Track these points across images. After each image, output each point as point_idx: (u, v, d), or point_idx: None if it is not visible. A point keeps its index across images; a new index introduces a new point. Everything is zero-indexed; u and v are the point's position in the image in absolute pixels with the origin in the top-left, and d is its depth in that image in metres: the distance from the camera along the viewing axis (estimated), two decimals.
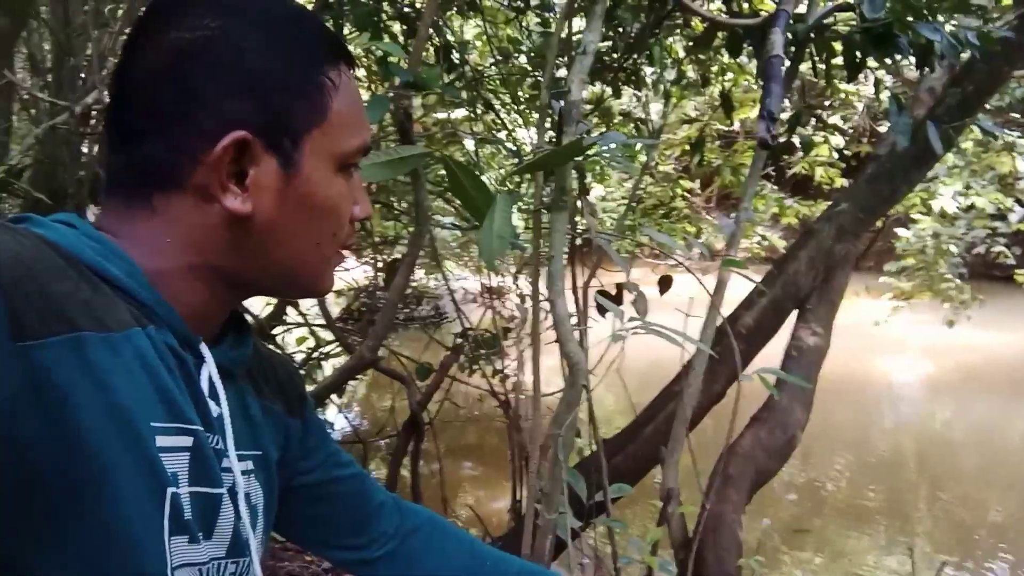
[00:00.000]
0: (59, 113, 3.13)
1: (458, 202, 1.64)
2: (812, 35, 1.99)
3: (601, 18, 1.64)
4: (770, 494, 4.70)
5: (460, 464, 5.21)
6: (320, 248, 0.69)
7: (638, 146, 4.10)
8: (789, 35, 1.83)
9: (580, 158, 1.51)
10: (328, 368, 4.01)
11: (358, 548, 0.90)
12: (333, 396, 3.65)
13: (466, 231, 4.70)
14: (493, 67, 3.79)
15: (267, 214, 0.65)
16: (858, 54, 1.99)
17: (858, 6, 1.82)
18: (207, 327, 0.68)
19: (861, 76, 2.20)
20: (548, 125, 1.79)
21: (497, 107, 3.75)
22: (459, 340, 3.30)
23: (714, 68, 3.95)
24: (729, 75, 4.07)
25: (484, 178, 1.90)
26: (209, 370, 0.66)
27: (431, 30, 2.18)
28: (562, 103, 1.58)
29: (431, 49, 2.66)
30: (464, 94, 3.22)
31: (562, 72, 2.25)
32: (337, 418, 4.62)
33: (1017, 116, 6.30)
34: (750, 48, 2.18)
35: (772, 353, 2.58)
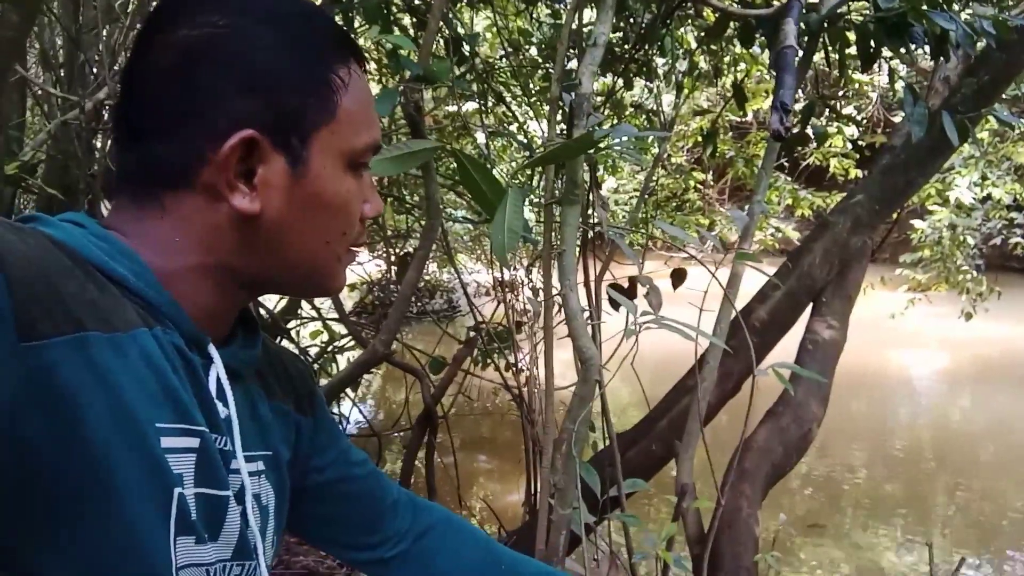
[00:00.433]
0: (71, 108, 3.15)
1: (470, 196, 1.64)
2: (825, 25, 1.98)
3: (612, 9, 1.62)
4: (786, 488, 4.69)
5: (474, 457, 5.22)
6: (331, 247, 0.69)
7: (650, 138, 4.09)
8: (802, 25, 1.81)
9: (592, 151, 1.51)
10: (342, 362, 4.02)
11: (372, 547, 0.89)
12: (348, 390, 3.66)
13: (478, 224, 4.70)
14: (503, 59, 3.78)
15: (276, 213, 0.65)
16: (872, 44, 1.97)
17: None
18: (217, 326, 0.68)
19: (875, 66, 2.18)
20: (559, 118, 1.78)
21: (508, 100, 3.74)
22: (472, 334, 3.30)
23: (726, 59, 3.93)
24: (742, 66, 4.05)
25: (495, 172, 1.91)
26: (217, 371, 0.66)
27: (441, 23, 2.17)
28: (573, 95, 1.57)
29: (441, 42, 2.65)
30: (475, 87, 3.21)
31: (573, 64, 2.24)
32: (352, 412, 4.63)
33: None
34: (763, 38, 2.16)
35: (788, 347, 2.57)
